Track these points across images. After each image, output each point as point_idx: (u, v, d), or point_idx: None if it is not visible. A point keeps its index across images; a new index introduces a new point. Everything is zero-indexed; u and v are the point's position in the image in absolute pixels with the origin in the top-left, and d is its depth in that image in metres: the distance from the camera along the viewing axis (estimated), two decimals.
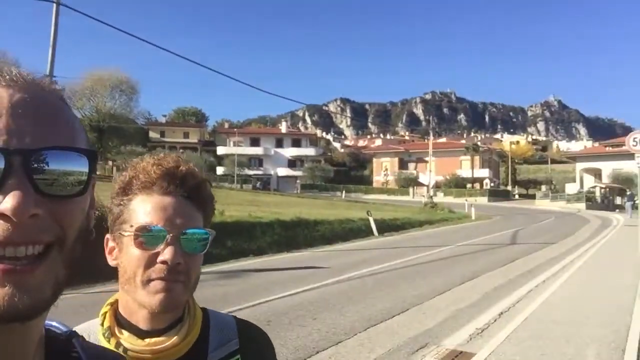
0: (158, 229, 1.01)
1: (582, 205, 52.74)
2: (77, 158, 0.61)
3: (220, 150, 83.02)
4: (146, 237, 1.01)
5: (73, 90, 61.32)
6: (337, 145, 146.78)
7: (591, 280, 11.25)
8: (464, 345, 6.46)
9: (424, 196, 56.09)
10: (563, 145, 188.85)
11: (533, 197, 72.77)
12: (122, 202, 1.07)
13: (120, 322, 1.08)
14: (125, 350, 1.02)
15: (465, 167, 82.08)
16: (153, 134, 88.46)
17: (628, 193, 41.11)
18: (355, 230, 21.91)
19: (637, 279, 11.03)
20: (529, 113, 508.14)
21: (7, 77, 0.62)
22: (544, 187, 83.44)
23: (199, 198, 1.08)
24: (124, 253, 1.04)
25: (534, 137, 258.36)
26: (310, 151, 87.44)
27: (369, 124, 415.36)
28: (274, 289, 9.91)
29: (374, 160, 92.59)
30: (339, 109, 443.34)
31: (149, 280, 1.01)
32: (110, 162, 76.11)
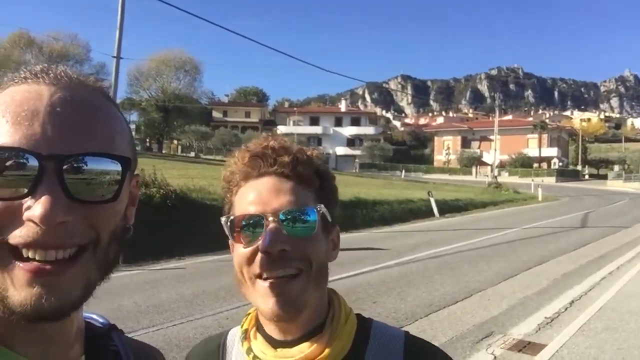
0: (252, 215, 0.89)
1: None
2: (111, 164, 0.60)
3: (281, 130, 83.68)
4: (243, 229, 0.89)
5: (140, 71, 63.34)
6: (397, 123, 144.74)
7: None
8: (533, 335, 6.15)
9: (487, 176, 54.56)
10: (638, 123, 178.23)
11: (605, 177, 69.50)
12: (226, 201, 0.97)
13: (260, 326, 0.97)
14: (256, 357, 0.94)
15: (532, 146, 79.01)
16: (216, 114, 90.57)
17: None
18: (415, 211, 21.56)
19: None
20: (602, 89, 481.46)
21: (52, 75, 0.62)
22: (616, 167, 79.41)
23: (299, 173, 0.92)
24: (234, 255, 0.93)
25: (606, 114, 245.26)
26: (369, 130, 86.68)
27: (431, 102, 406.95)
28: (332, 269, 9.78)
29: (436, 138, 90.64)
30: (399, 86, 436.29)
31: (257, 278, 0.88)
32: (175, 141, 78.66)
